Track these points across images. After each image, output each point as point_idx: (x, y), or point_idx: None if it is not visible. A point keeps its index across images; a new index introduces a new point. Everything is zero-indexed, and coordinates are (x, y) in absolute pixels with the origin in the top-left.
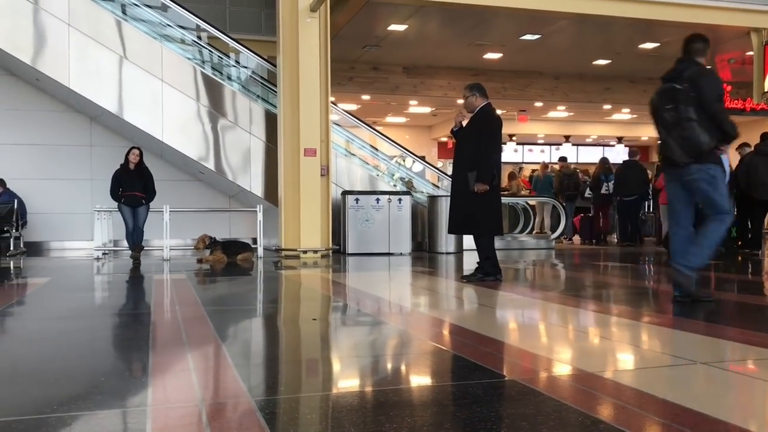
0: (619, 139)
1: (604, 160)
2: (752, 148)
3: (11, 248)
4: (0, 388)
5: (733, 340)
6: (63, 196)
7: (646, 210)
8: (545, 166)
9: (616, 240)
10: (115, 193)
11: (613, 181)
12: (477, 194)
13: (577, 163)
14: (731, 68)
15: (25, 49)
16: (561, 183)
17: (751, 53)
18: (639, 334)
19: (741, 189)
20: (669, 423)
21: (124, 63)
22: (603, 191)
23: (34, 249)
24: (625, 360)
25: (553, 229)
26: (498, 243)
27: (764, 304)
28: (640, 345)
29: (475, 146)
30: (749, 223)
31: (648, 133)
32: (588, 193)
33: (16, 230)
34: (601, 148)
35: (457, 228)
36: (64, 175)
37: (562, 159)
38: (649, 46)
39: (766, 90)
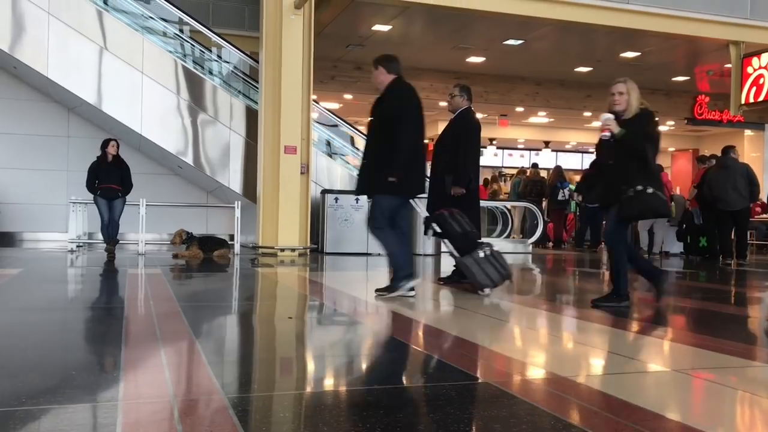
0: None
1: (558, 168)
2: (713, 162)
3: None
4: None
5: (704, 348)
6: (38, 187)
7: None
8: (521, 171)
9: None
10: (91, 185)
11: (567, 188)
12: (452, 197)
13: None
14: (710, 80)
15: (3, 36)
16: (525, 188)
17: (729, 66)
18: (613, 339)
19: (707, 200)
20: (640, 428)
21: (104, 54)
22: (559, 197)
23: (7, 239)
24: (598, 365)
25: (529, 234)
26: None
27: (740, 313)
28: (613, 350)
29: (452, 149)
30: (717, 233)
31: None
32: (561, 196)
33: None
34: (580, 154)
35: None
36: (39, 165)
37: (534, 165)
38: (630, 54)
39: (743, 102)
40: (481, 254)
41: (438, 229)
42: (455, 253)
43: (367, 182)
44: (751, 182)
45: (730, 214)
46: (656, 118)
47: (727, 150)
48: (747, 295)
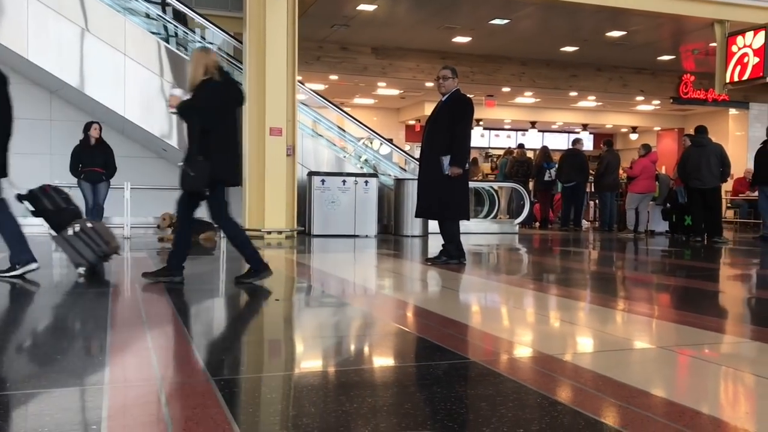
0: (584, 126)
1: (544, 149)
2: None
3: None
4: None
5: (688, 324)
6: (21, 171)
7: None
8: (507, 151)
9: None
10: (74, 169)
11: (554, 168)
12: (447, 178)
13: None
14: (695, 59)
15: None
16: (512, 168)
17: (714, 44)
18: (598, 317)
19: (680, 177)
20: (625, 405)
21: (86, 36)
22: (546, 178)
23: None
24: (584, 343)
25: (516, 214)
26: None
27: (715, 289)
28: (599, 328)
29: (449, 130)
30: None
31: (612, 120)
32: (548, 176)
33: None
34: (566, 135)
35: (424, 212)
36: (22, 149)
37: (520, 146)
38: (615, 34)
39: (727, 81)
40: (70, 232)
41: (31, 207)
42: (52, 231)
43: None
44: (723, 162)
45: (700, 193)
46: (210, 87)
47: (701, 129)
48: (712, 272)
